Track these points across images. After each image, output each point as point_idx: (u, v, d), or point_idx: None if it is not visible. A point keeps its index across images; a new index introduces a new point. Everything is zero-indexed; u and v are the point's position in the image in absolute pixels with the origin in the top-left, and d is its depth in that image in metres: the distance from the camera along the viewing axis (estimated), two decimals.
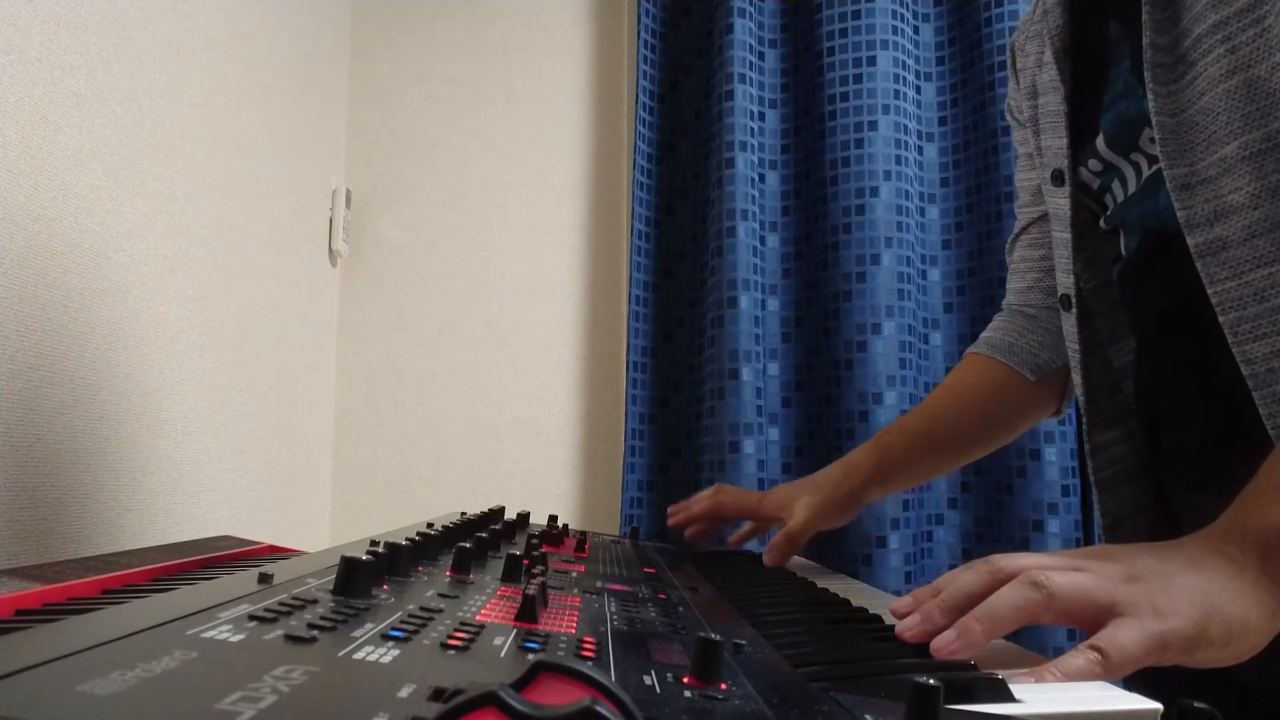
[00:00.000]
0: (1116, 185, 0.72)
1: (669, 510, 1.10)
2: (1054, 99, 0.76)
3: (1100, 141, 0.72)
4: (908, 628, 0.50)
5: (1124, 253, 0.74)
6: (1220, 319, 0.60)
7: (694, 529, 1.06)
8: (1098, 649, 0.45)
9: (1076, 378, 0.77)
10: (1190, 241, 0.61)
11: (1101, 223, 0.75)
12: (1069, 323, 0.77)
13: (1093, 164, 0.73)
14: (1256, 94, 0.58)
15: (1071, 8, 0.75)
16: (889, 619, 0.57)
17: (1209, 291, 0.60)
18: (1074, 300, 0.76)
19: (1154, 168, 0.67)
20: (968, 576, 0.51)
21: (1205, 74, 0.61)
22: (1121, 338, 0.78)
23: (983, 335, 0.96)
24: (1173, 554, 0.50)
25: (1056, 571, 0.48)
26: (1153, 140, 0.64)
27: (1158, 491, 0.75)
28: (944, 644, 0.47)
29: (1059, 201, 0.76)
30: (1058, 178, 0.76)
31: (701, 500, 1.06)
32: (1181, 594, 0.46)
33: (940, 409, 0.96)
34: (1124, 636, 0.45)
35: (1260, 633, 0.47)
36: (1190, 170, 0.62)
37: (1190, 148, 0.62)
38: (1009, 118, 0.93)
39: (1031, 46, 0.82)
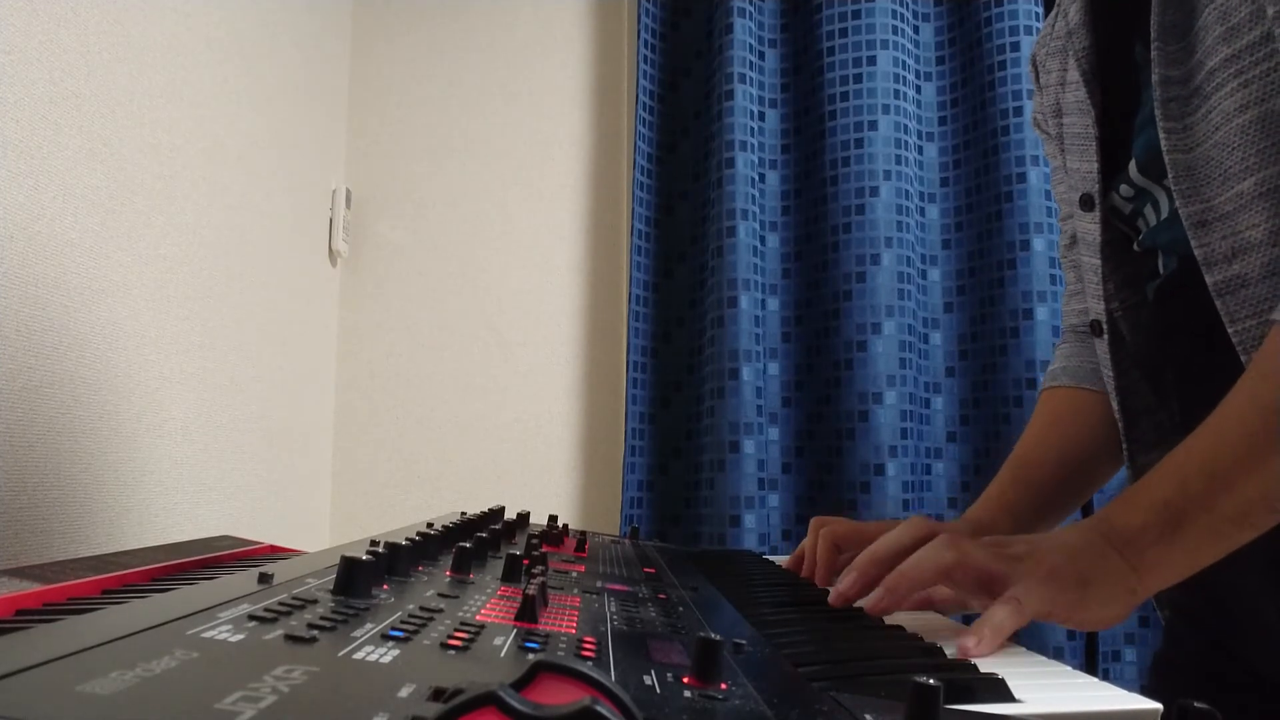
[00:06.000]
0: (1149, 210, 0.70)
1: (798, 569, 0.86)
2: (1081, 121, 0.73)
3: (1133, 167, 0.70)
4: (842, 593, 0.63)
5: (1162, 271, 0.72)
6: (1243, 358, 0.58)
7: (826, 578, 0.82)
8: (1015, 598, 0.55)
9: (1114, 403, 0.75)
10: (1209, 279, 0.60)
11: (1135, 246, 0.73)
12: (1101, 348, 0.75)
13: (1124, 189, 0.71)
14: (1272, 129, 0.57)
15: (1096, 29, 0.73)
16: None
17: (1229, 330, 0.59)
18: (1105, 326, 0.74)
19: None
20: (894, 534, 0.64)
21: (1219, 108, 0.59)
22: (1162, 355, 0.75)
23: (1056, 367, 0.89)
24: (1045, 541, 0.60)
25: (967, 541, 0.59)
26: None
27: None
28: (873, 603, 0.59)
29: (1088, 227, 0.74)
30: (1087, 202, 0.73)
31: (817, 545, 0.83)
32: (1061, 569, 0.57)
33: (1051, 453, 0.86)
34: (1029, 593, 0.56)
35: (1124, 604, 0.57)
36: (1206, 206, 0.61)
37: (1206, 183, 0.61)
38: (1037, 130, 0.90)
39: (1053, 63, 0.79)
